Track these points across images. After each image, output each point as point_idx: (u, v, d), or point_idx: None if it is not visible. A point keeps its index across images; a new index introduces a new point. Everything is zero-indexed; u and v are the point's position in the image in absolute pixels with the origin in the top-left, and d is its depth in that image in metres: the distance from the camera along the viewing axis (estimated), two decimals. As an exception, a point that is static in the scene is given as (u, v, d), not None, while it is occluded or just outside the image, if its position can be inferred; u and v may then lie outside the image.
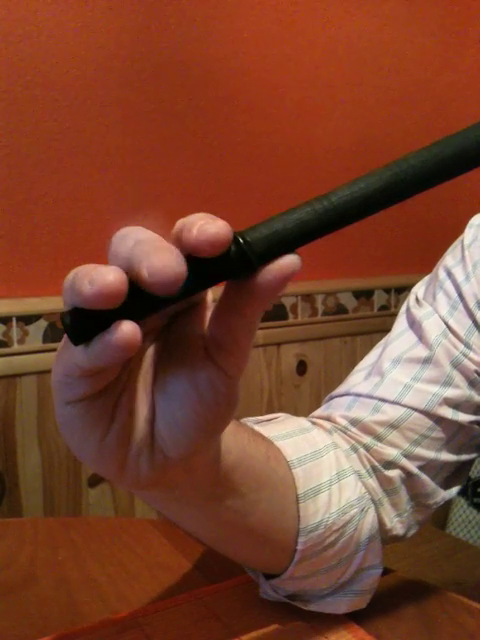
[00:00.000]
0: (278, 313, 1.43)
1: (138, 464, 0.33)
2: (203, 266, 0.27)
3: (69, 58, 1.19)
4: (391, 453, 0.53)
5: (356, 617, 0.52)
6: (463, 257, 0.58)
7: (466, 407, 0.54)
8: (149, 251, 0.26)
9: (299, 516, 0.47)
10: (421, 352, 0.55)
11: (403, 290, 1.60)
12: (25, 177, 1.17)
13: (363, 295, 1.56)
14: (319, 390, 1.51)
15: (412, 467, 0.53)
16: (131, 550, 0.66)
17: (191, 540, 0.66)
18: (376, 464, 0.53)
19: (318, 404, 0.61)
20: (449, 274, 0.59)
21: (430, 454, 0.54)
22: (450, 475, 0.57)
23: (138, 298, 0.27)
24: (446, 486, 0.56)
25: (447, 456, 0.55)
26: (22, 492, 1.19)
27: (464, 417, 0.54)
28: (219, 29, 1.34)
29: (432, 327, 0.56)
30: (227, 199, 1.38)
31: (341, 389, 0.59)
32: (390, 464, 0.53)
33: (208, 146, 1.35)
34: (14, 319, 1.16)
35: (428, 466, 0.54)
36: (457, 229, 0.63)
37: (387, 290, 1.60)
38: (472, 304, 0.56)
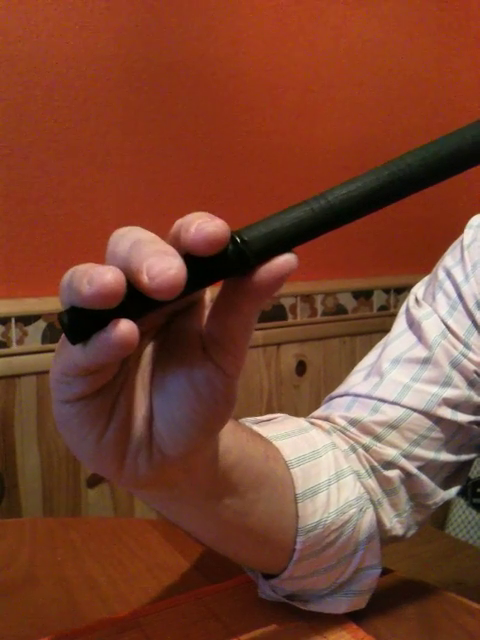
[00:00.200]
0: (277, 313, 1.43)
1: (136, 463, 0.33)
2: (201, 265, 0.27)
3: (69, 58, 1.19)
4: (390, 453, 0.53)
5: (355, 617, 0.52)
6: (462, 257, 0.58)
7: (465, 407, 0.54)
8: (148, 253, 0.26)
9: (298, 516, 0.47)
10: (420, 352, 0.55)
11: (402, 290, 1.60)
12: (25, 177, 1.18)
13: (362, 295, 1.56)
14: (318, 390, 1.51)
15: (411, 467, 0.53)
16: (130, 550, 0.66)
17: (190, 540, 0.66)
18: (375, 464, 0.53)
19: (317, 404, 0.61)
20: (448, 274, 0.59)
21: (429, 454, 0.54)
22: (449, 475, 0.57)
23: (136, 297, 0.27)
24: (445, 486, 0.56)
25: (446, 456, 0.55)
26: (21, 492, 1.19)
27: (463, 417, 0.54)
28: (219, 29, 1.34)
29: (431, 327, 0.56)
30: (226, 199, 1.39)
31: (340, 389, 0.59)
32: (389, 464, 0.53)
33: (208, 146, 1.36)
34: (13, 319, 1.16)
35: (427, 466, 0.54)
36: (456, 229, 0.63)
37: (386, 290, 1.60)
38: (471, 304, 0.56)
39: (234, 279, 0.29)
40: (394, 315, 0.62)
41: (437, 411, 0.53)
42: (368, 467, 0.53)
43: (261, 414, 0.54)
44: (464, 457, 0.56)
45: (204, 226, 0.27)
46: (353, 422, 0.54)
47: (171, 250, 0.27)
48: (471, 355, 0.54)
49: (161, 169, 1.31)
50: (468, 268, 0.57)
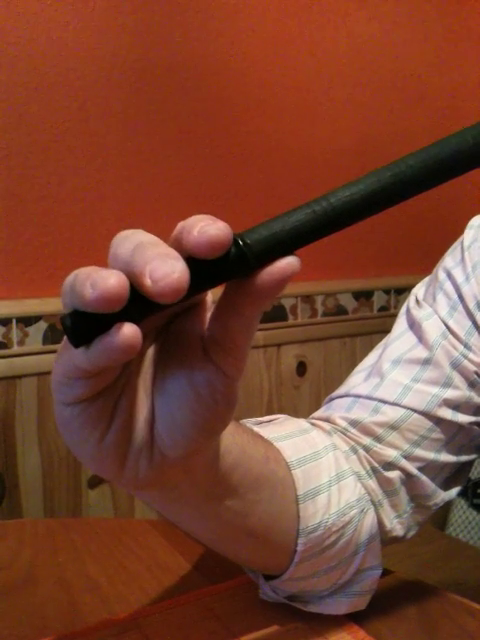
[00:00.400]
0: (278, 314, 1.43)
1: (137, 464, 0.33)
2: (203, 267, 0.27)
3: (69, 59, 1.19)
4: (391, 454, 0.53)
5: (356, 618, 0.52)
6: (463, 258, 0.58)
7: (466, 408, 0.54)
8: (151, 256, 0.26)
9: (299, 517, 0.47)
10: (421, 353, 0.55)
11: (403, 291, 1.60)
12: (25, 178, 1.18)
13: (363, 296, 1.56)
14: (319, 391, 1.51)
15: (412, 468, 0.53)
16: (131, 551, 0.66)
17: (191, 541, 0.66)
18: (376, 465, 0.53)
19: (318, 405, 0.61)
20: (449, 275, 0.58)
21: (430, 455, 0.54)
22: (450, 476, 0.56)
23: (138, 300, 0.27)
24: (446, 487, 0.56)
25: (447, 457, 0.55)
26: (22, 493, 1.19)
27: (464, 418, 0.54)
28: (219, 29, 1.34)
29: (432, 328, 0.56)
30: (226, 199, 1.39)
31: (341, 390, 0.59)
32: (390, 465, 0.53)
33: (208, 146, 1.36)
34: (14, 321, 1.16)
35: (428, 467, 0.54)
36: (457, 230, 0.63)
37: (387, 291, 1.60)
38: (472, 305, 0.56)
39: (236, 281, 0.29)
40: (394, 316, 0.62)
41: (437, 412, 0.53)
42: (368, 468, 0.53)
43: (261, 415, 0.54)
44: (464, 458, 0.56)
45: (207, 229, 0.27)
46: (354, 423, 0.54)
47: (174, 253, 0.27)
48: (471, 356, 0.54)
49: (161, 169, 1.31)
50: (468, 269, 0.57)
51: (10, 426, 1.17)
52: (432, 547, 1.23)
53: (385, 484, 0.53)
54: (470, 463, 0.58)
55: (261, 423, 0.52)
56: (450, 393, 0.54)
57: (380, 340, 0.61)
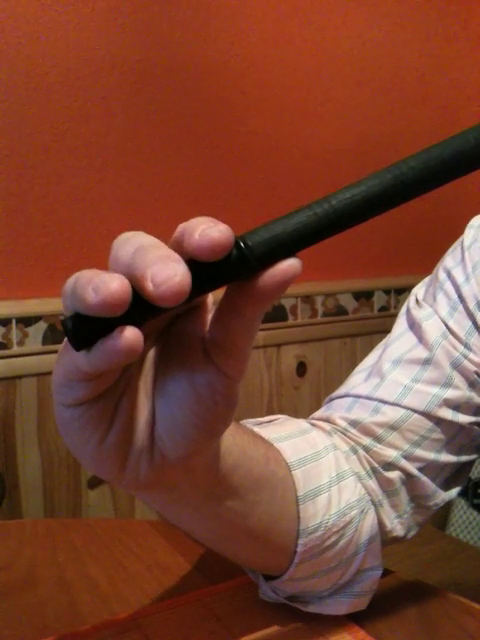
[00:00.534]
0: (278, 314, 1.43)
1: (138, 465, 0.33)
2: (204, 270, 0.27)
3: (69, 59, 1.19)
4: (391, 454, 0.53)
5: (356, 618, 0.52)
6: (463, 258, 0.58)
7: (466, 408, 0.54)
8: (153, 260, 0.26)
9: (299, 518, 0.47)
10: (421, 353, 0.55)
11: (403, 291, 1.60)
12: (25, 178, 1.18)
13: (363, 296, 1.56)
14: (319, 391, 1.51)
15: (412, 468, 0.53)
16: (131, 551, 0.66)
17: (191, 541, 0.66)
18: (376, 465, 0.53)
19: (318, 405, 0.61)
20: (449, 275, 0.58)
21: (430, 455, 0.54)
22: (450, 476, 0.56)
23: (140, 303, 0.27)
24: (446, 487, 0.56)
25: (447, 457, 0.55)
26: (22, 493, 1.19)
27: (464, 418, 0.54)
28: (219, 30, 1.34)
29: (432, 328, 0.56)
30: (227, 199, 1.39)
31: (341, 390, 0.59)
32: (390, 465, 0.53)
33: (208, 147, 1.36)
34: (14, 321, 1.16)
35: (428, 467, 0.54)
36: (457, 230, 0.63)
37: (387, 291, 1.60)
38: (472, 305, 0.55)
39: (238, 283, 0.29)
40: (394, 316, 0.62)
41: (438, 412, 0.53)
42: (369, 468, 0.53)
43: (261, 415, 0.54)
44: (465, 458, 0.56)
45: (208, 232, 0.27)
46: (354, 423, 0.54)
47: (175, 256, 0.27)
48: (472, 356, 0.54)
49: (161, 169, 1.31)
50: (468, 269, 0.57)
51: (10, 426, 1.17)
52: (432, 547, 1.23)
53: (385, 484, 0.53)
54: (470, 463, 0.58)
55: (261, 423, 0.52)
56: (450, 393, 0.54)
57: (380, 340, 0.61)
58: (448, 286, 0.58)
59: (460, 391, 0.54)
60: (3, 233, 1.17)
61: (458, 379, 0.54)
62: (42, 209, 1.19)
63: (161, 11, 1.27)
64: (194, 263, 0.27)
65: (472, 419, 0.55)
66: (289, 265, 0.29)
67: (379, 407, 0.54)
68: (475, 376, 0.54)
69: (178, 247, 0.28)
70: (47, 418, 1.19)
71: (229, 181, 1.39)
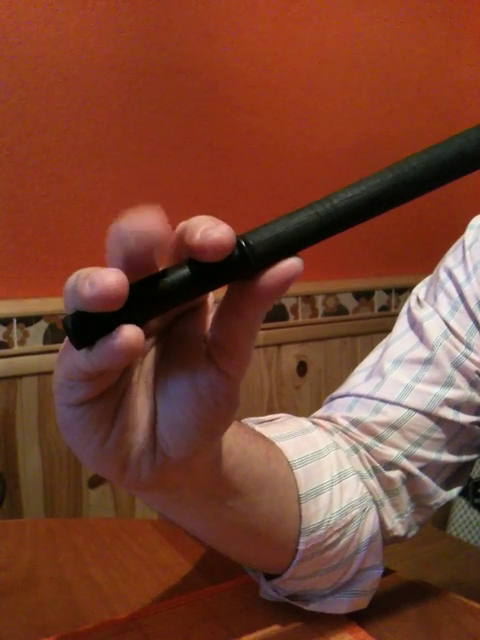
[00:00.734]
0: (279, 314, 1.43)
1: (139, 465, 0.33)
2: (205, 269, 0.27)
3: (69, 59, 1.19)
4: (392, 454, 0.53)
5: (357, 618, 0.52)
6: (464, 258, 0.58)
7: (467, 408, 0.54)
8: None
9: (300, 516, 0.47)
10: (422, 353, 0.55)
11: (403, 291, 1.60)
12: (26, 178, 1.18)
13: (363, 296, 1.56)
14: (319, 391, 1.51)
15: (413, 468, 0.53)
16: (131, 551, 0.66)
17: (192, 541, 0.66)
18: (377, 465, 0.53)
19: (318, 405, 0.61)
20: (450, 275, 0.58)
21: (431, 455, 0.54)
22: (451, 476, 0.56)
23: (140, 302, 0.27)
24: (447, 487, 0.56)
25: (448, 457, 0.55)
26: (23, 493, 1.19)
27: (465, 418, 0.54)
28: (219, 30, 1.34)
29: (433, 328, 0.56)
30: (227, 199, 1.39)
31: (342, 390, 0.59)
32: (391, 465, 0.53)
33: (208, 146, 1.36)
34: (14, 320, 1.16)
35: (429, 467, 0.54)
36: (458, 230, 0.63)
37: (387, 291, 1.60)
38: (473, 305, 0.55)
39: (239, 283, 0.29)
40: (395, 315, 0.62)
41: (439, 412, 0.53)
42: (370, 467, 0.53)
43: (262, 414, 0.54)
44: (465, 457, 0.56)
45: (210, 233, 0.27)
46: (355, 422, 0.54)
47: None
48: (473, 356, 0.54)
49: (162, 169, 1.31)
50: (470, 268, 0.57)
51: (10, 426, 1.17)
52: (433, 547, 1.23)
53: (386, 484, 0.53)
54: (471, 463, 0.58)
55: (263, 422, 0.52)
56: (451, 393, 0.54)
57: (381, 340, 0.61)
58: (449, 286, 0.58)
59: (461, 391, 0.54)
60: (3, 233, 1.17)
61: (459, 379, 0.54)
62: (42, 209, 1.19)
63: (161, 11, 1.27)
64: (195, 262, 0.27)
65: (473, 419, 0.55)
66: (290, 264, 0.29)
67: (380, 406, 0.54)
68: (476, 376, 0.54)
69: (179, 245, 0.28)
70: (48, 418, 1.19)
71: (229, 181, 1.39)
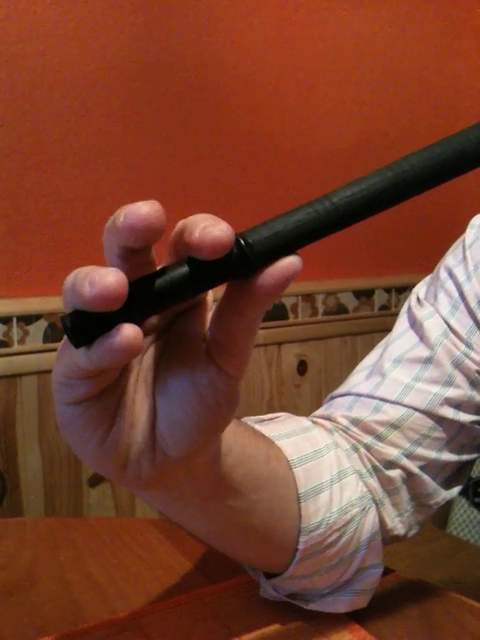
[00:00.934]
0: (279, 313, 1.43)
1: (139, 464, 0.33)
2: (204, 267, 0.27)
3: (70, 59, 1.19)
4: (392, 453, 0.53)
5: (357, 617, 0.52)
6: (464, 257, 0.58)
7: (467, 407, 0.54)
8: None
9: (300, 515, 0.47)
10: (422, 352, 0.55)
11: (404, 290, 1.60)
12: (26, 178, 1.18)
13: (364, 295, 1.56)
14: (319, 390, 1.51)
15: (413, 467, 0.53)
16: (132, 550, 0.66)
17: (192, 540, 0.66)
18: (377, 464, 0.53)
19: (319, 404, 0.61)
20: (450, 274, 0.58)
21: (431, 454, 0.54)
22: (451, 475, 0.56)
23: (139, 300, 0.27)
24: (447, 486, 0.56)
25: (448, 456, 0.55)
26: (23, 492, 1.19)
27: (465, 417, 0.54)
28: (219, 30, 1.34)
29: (433, 327, 0.56)
30: (227, 199, 1.39)
31: (342, 389, 0.59)
32: (391, 464, 0.53)
33: (208, 147, 1.36)
34: (14, 319, 1.16)
35: (429, 466, 0.54)
36: (458, 229, 0.63)
37: (388, 290, 1.60)
38: (473, 304, 0.55)
39: (238, 282, 0.29)
40: (395, 315, 0.62)
41: (439, 411, 0.53)
42: (370, 466, 0.53)
43: (262, 413, 0.54)
44: (466, 457, 0.56)
45: (210, 231, 0.27)
46: (355, 421, 0.54)
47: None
48: (473, 355, 0.54)
49: (162, 169, 1.31)
50: (470, 268, 0.57)
51: (11, 425, 1.17)
52: (433, 546, 1.24)
53: (386, 483, 0.53)
54: (471, 462, 0.58)
55: (263, 421, 0.52)
56: (452, 392, 0.54)
57: (381, 339, 0.61)
58: (449, 285, 0.58)
59: (461, 390, 0.54)
60: (3, 232, 1.17)
61: (459, 378, 0.54)
62: (42, 208, 1.19)
63: (161, 11, 1.27)
64: (194, 261, 0.27)
65: (473, 418, 0.55)
66: (289, 262, 0.28)
67: (380, 406, 0.54)
68: (476, 375, 0.54)
69: (179, 243, 0.28)
70: (48, 416, 1.19)
71: (229, 180, 1.39)
